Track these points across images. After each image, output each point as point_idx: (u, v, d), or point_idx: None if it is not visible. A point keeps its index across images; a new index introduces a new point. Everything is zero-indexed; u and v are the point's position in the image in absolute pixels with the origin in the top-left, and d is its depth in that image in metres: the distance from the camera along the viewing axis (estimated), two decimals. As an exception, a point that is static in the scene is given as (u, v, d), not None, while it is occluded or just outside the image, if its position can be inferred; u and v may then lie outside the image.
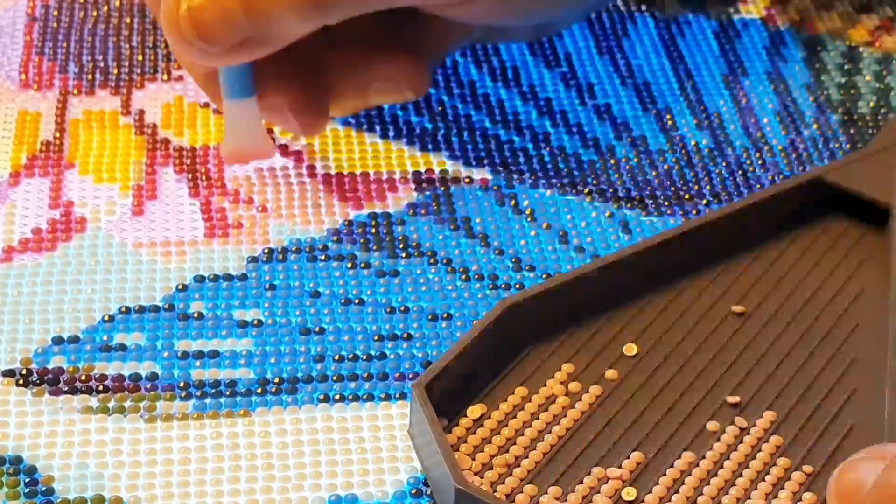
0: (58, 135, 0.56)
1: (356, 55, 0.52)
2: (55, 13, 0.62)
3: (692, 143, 0.57)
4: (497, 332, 0.45)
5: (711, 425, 0.44)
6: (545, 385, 0.45)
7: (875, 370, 0.46)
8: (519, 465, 0.42)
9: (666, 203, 0.54)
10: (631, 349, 0.46)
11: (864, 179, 0.51)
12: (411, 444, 0.44)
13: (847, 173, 0.51)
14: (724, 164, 0.56)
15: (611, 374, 0.45)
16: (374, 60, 0.52)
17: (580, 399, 0.45)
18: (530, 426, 0.44)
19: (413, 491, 0.43)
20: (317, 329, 0.48)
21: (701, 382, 0.45)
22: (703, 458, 0.43)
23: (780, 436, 0.44)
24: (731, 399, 0.45)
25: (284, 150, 0.55)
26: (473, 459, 0.43)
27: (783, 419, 0.44)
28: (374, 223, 0.52)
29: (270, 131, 0.55)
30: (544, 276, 0.50)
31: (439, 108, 0.58)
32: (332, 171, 0.55)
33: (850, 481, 0.39)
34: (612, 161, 0.56)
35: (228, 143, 0.52)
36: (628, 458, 0.43)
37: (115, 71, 0.59)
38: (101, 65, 0.59)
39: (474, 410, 0.44)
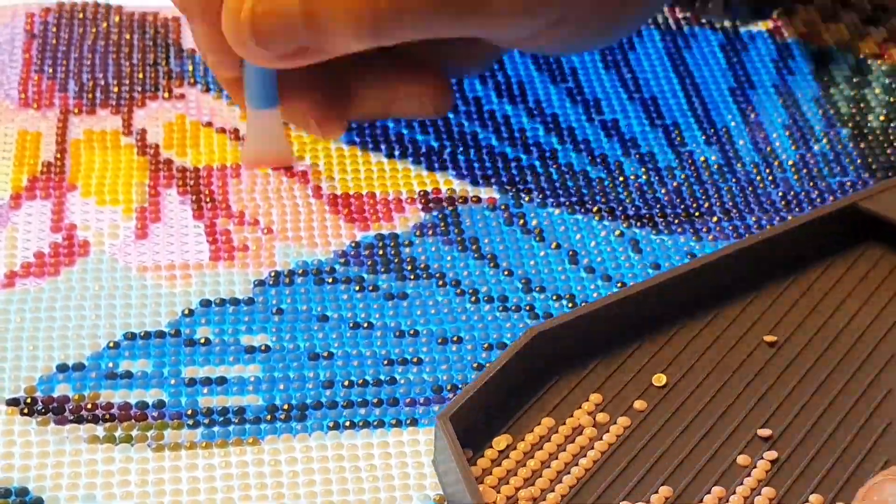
0: (59, 155, 0.55)
1: (383, 68, 0.53)
2: (54, 30, 0.61)
3: (701, 159, 0.56)
4: (524, 360, 0.44)
5: (742, 459, 0.43)
6: (572, 415, 0.44)
7: None
8: (545, 499, 0.42)
9: (676, 221, 0.53)
10: (660, 379, 0.45)
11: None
12: (424, 472, 0.43)
13: (881, 200, 0.50)
14: (733, 180, 0.55)
15: (639, 404, 0.45)
16: (401, 76, 0.53)
17: (608, 430, 0.44)
18: (557, 458, 0.43)
19: (426, 520, 0.42)
20: (325, 354, 0.47)
21: (731, 415, 0.45)
22: (734, 493, 0.42)
23: (812, 470, 0.43)
24: (763, 432, 0.44)
25: (289, 170, 0.55)
26: (498, 492, 0.42)
27: (816, 453, 0.43)
28: (381, 244, 0.52)
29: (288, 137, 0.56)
30: (554, 297, 0.50)
31: (444, 126, 0.57)
32: (338, 192, 0.54)
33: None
34: (621, 178, 0.55)
35: (250, 148, 0.53)
36: (657, 492, 0.42)
37: (116, 89, 0.59)
38: (102, 83, 0.59)
39: (500, 441, 0.43)
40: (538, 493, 0.42)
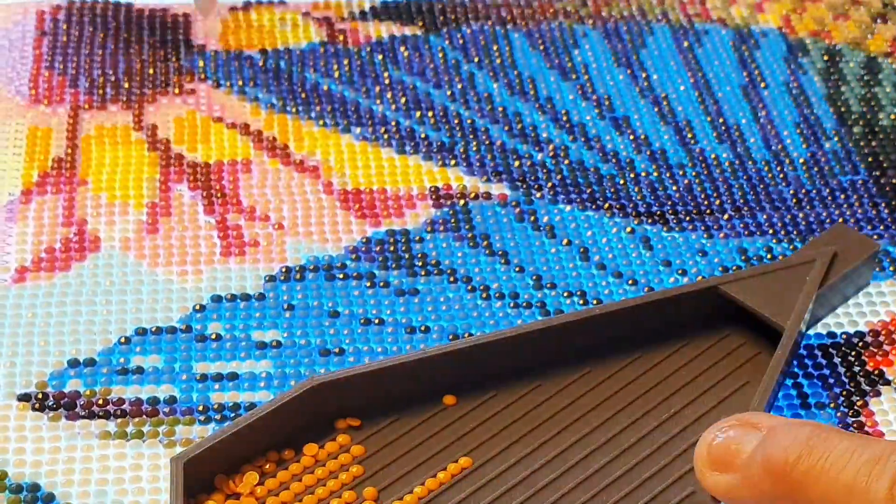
0: (69, 151, 0.55)
1: None
2: (64, 27, 0.61)
3: (712, 156, 0.56)
4: (299, 408, 0.42)
5: None
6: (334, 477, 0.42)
7: None
8: None
9: (687, 218, 0.53)
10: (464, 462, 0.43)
11: (763, 296, 0.46)
12: None
13: (743, 286, 0.46)
14: (744, 177, 0.55)
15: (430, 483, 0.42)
16: None
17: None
18: None
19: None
20: (336, 350, 0.47)
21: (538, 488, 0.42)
22: None
23: None
24: None
25: (300, 166, 0.55)
26: None
27: None
28: (392, 240, 0.52)
29: None
30: (565, 293, 0.50)
31: (456, 123, 0.57)
32: (349, 188, 0.54)
33: (722, 448, 0.36)
34: (632, 175, 0.55)
35: None
36: None
37: (127, 85, 0.58)
38: (112, 79, 0.59)
39: (247, 484, 0.41)
40: None
